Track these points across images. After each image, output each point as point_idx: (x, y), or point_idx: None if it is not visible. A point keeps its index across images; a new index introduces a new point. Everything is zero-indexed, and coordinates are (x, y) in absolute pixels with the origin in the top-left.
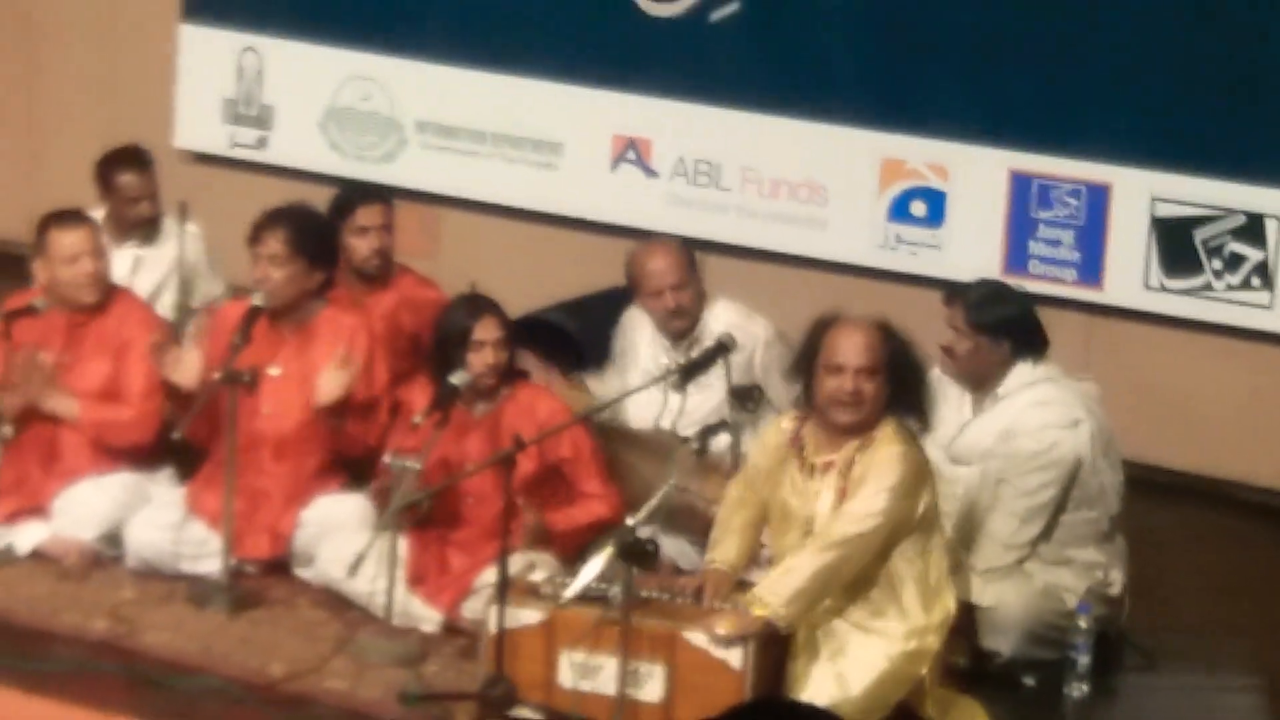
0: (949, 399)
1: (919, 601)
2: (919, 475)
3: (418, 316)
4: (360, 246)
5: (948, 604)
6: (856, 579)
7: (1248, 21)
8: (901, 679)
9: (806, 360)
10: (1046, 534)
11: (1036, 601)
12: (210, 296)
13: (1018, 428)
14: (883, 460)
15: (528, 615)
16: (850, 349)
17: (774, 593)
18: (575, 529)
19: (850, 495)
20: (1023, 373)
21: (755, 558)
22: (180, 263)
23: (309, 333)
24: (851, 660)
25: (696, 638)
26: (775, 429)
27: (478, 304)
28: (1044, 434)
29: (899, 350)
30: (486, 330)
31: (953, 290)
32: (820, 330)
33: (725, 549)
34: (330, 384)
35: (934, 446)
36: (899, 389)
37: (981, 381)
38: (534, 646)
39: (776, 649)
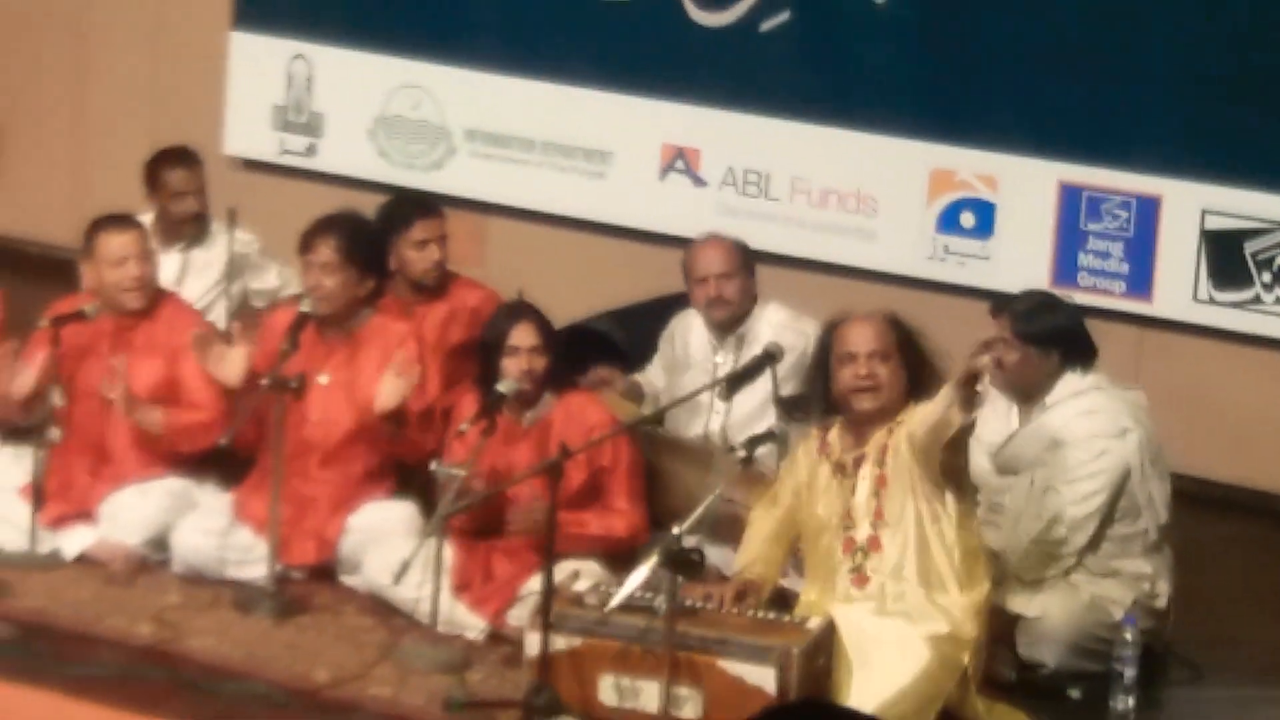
0: (996, 409)
1: (954, 577)
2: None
3: (472, 324)
4: (419, 260)
5: (982, 588)
6: (899, 558)
7: None
8: (938, 680)
9: (822, 362)
10: (1094, 545)
11: (1083, 613)
12: (270, 289)
13: (1065, 436)
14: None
15: (559, 642)
16: (859, 337)
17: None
18: (582, 536)
19: (892, 478)
20: (1071, 382)
21: (784, 570)
22: (229, 266)
23: (357, 341)
24: (891, 660)
25: (730, 665)
26: (804, 446)
27: (516, 310)
28: (1092, 443)
29: (908, 336)
30: (522, 336)
31: (999, 302)
32: (829, 330)
33: (751, 561)
34: (390, 390)
35: (981, 455)
36: (915, 374)
37: (1030, 392)
38: (573, 666)
39: (813, 673)
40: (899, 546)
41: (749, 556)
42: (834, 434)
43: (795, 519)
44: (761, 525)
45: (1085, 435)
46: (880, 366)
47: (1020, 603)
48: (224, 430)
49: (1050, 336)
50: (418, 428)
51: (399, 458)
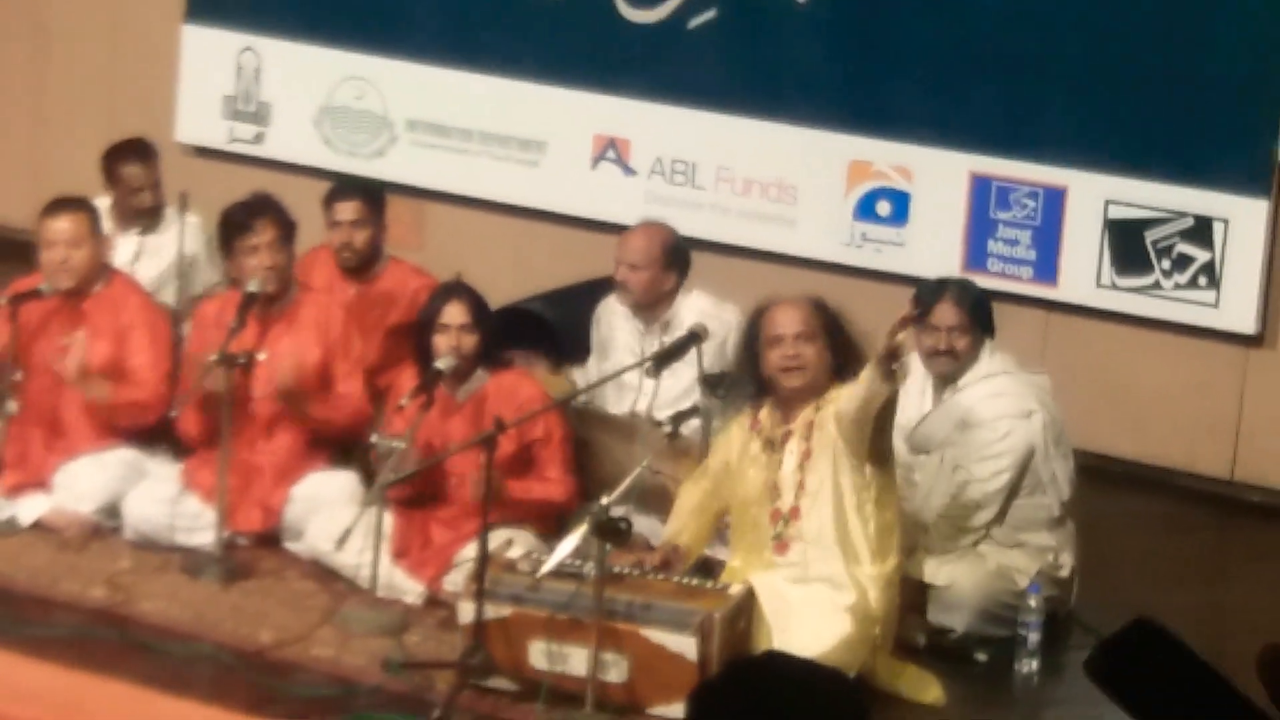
0: (908, 391)
1: (867, 548)
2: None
3: (409, 305)
4: (332, 239)
5: (893, 561)
6: (818, 527)
7: (1199, 34)
8: (854, 646)
9: (750, 346)
10: (1000, 518)
11: (989, 581)
12: (208, 284)
13: (974, 417)
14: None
15: (493, 610)
16: (785, 319)
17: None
18: (528, 500)
19: (816, 451)
20: (980, 366)
21: (710, 540)
22: (180, 252)
23: (291, 316)
24: (804, 630)
25: (652, 633)
26: (737, 424)
27: (449, 290)
28: (998, 424)
29: (832, 320)
30: (453, 314)
31: (931, 291)
32: (757, 315)
33: (678, 530)
34: (284, 370)
35: (896, 434)
36: (839, 355)
37: (961, 373)
38: (504, 632)
39: (733, 638)
40: (819, 516)
41: (676, 526)
42: (764, 412)
43: (722, 492)
44: (690, 497)
45: (992, 416)
46: (806, 347)
47: (931, 571)
48: (161, 409)
49: (990, 321)
50: (326, 404)
51: (314, 434)
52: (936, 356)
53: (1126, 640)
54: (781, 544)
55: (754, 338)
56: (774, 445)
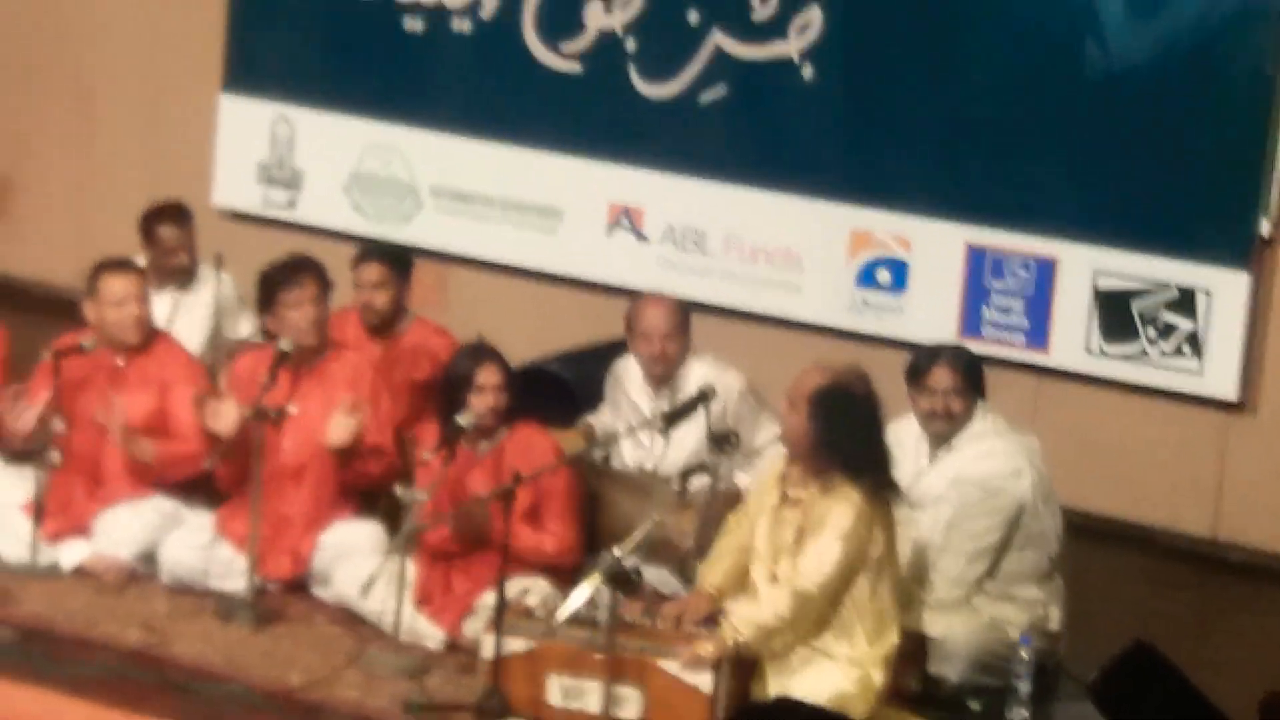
0: (905, 448)
1: (863, 634)
2: (869, 522)
3: (431, 362)
4: (357, 299)
5: (892, 639)
6: (820, 614)
7: (1186, 114)
8: (853, 705)
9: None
10: (992, 573)
11: (982, 633)
12: (241, 337)
13: (967, 476)
14: (837, 507)
15: (516, 644)
16: (796, 389)
17: (745, 620)
18: (514, 545)
19: (807, 534)
20: (973, 427)
21: (743, 579)
22: (215, 307)
23: (322, 373)
24: (806, 683)
25: (670, 665)
26: (773, 465)
27: (480, 352)
28: (990, 482)
29: (829, 394)
30: (488, 376)
31: (926, 357)
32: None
33: (713, 573)
34: (339, 428)
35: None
36: (839, 439)
37: (955, 434)
38: (523, 670)
39: (743, 675)
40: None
41: (713, 568)
42: (793, 465)
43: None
44: (728, 540)
45: (984, 475)
46: (791, 415)
47: (927, 622)
48: (204, 462)
49: (982, 384)
50: (368, 458)
51: (351, 486)
52: (933, 418)
53: (1126, 664)
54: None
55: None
56: (788, 502)
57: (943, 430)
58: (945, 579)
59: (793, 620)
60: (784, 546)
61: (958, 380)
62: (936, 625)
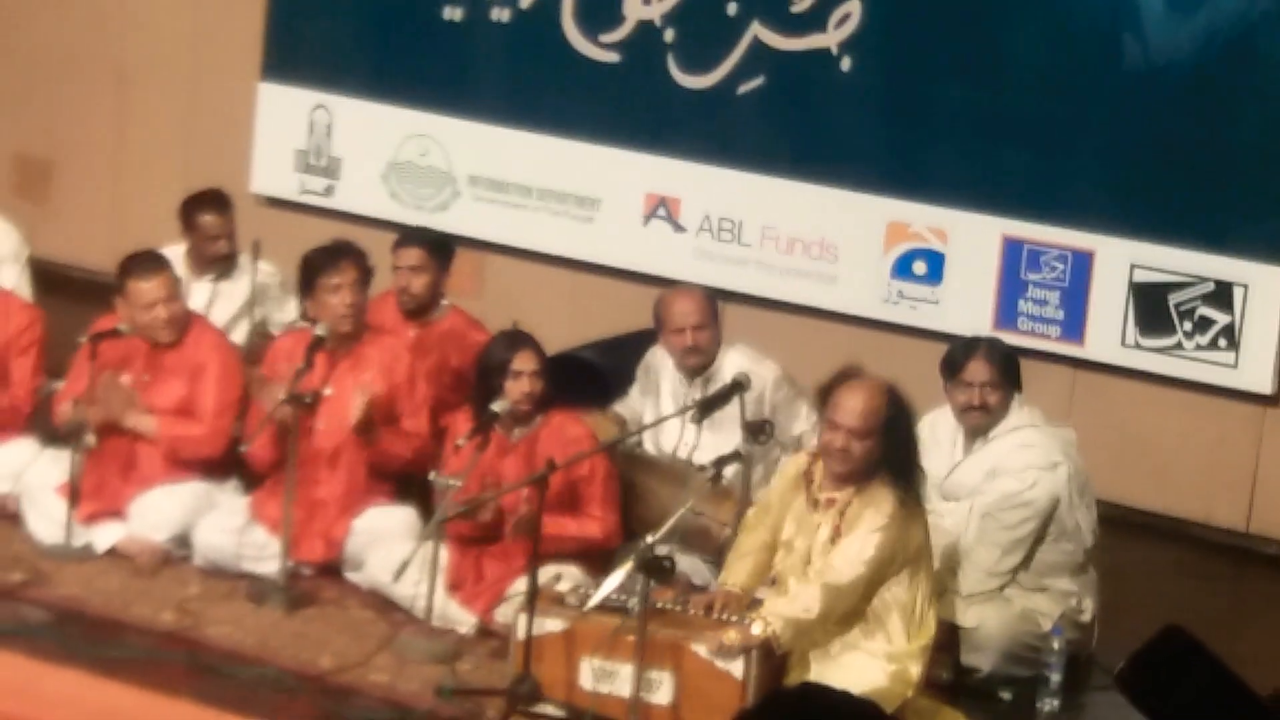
0: (940, 441)
1: (903, 629)
2: (905, 522)
3: (464, 353)
4: (394, 283)
5: (929, 631)
6: (851, 607)
7: (1222, 107)
8: (886, 698)
9: (821, 408)
10: (1025, 564)
11: (1014, 624)
12: (284, 322)
13: (1002, 468)
14: (874, 508)
15: (551, 624)
16: (846, 410)
17: (776, 614)
18: (562, 536)
19: (844, 534)
20: (1009, 419)
21: (764, 578)
22: (252, 296)
23: (357, 355)
24: (840, 673)
25: (701, 649)
26: (794, 462)
27: (516, 338)
28: (1025, 474)
29: (894, 417)
30: (524, 362)
31: (963, 350)
32: (833, 384)
33: (736, 572)
34: (355, 407)
35: (926, 484)
36: (891, 452)
37: (992, 426)
38: (557, 651)
39: (775, 660)
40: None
41: (730, 569)
42: (818, 467)
43: (775, 527)
44: (747, 539)
45: (1020, 467)
46: (856, 443)
47: (959, 613)
48: (219, 445)
49: (1018, 377)
50: (394, 437)
51: (379, 467)
52: (969, 411)
53: (1156, 651)
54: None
55: (824, 403)
56: (816, 506)
57: (979, 423)
58: (979, 569)
59: (823, 615)
60: (819, 548)
61: (994, 373)
62: (969, 616)
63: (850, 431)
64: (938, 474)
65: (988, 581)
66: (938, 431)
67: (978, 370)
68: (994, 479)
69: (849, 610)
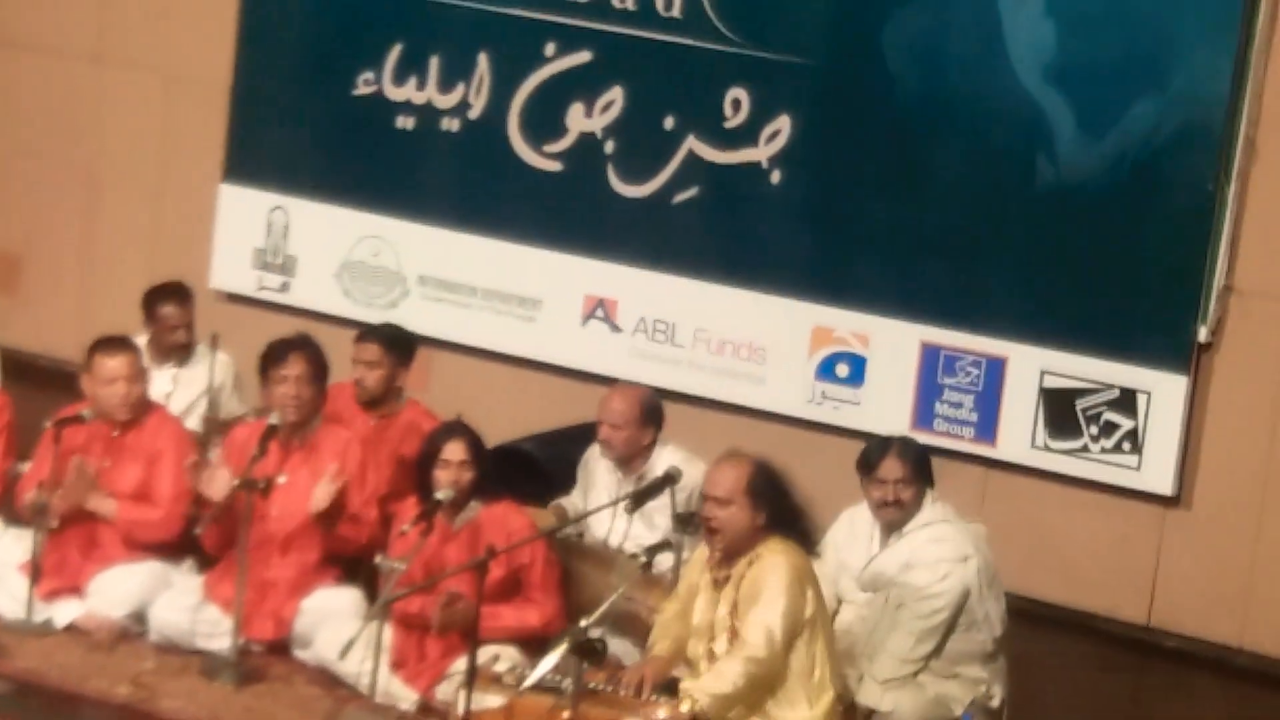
0: (858, 535)
1: (804, 695)
2: (801, 575)
3: (417, 441)
4: (352, 374)
5: (830, 695)
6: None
7: (1127, 225)
8: None
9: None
10: (938, 652)
11: (927, 708)
12: (233, 414)
13: (916, 560)
14: (767, 570)
15: (491, 700)
16: (711, 482)
17: (702, 690)
18: (498, 627)
19: (742, 606)
20: (922, 514)
21: (681, 657)
22: (210, 385)
23: (311, 446)
24: None
25: None
26: (700, 553)
27: (452, 430)
28: (938, 567)
29: (763, 482)
30: (453, 451)
31: (877, 449)
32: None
33: (661, 645)
34: (321, 494)
35: (846, 576)
36: (769, 517)
37: (906, 521)
38: None
39: None
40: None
41: (655, 638)
42: (718, 552)
43: (687, 612)
44: (667, 611)
45: (933, 560)
46: (719, 510)
47: (875, 697)
48: (174, 529)
49: (930, 474)
50: (349, 525)
51: (333, 551)
52: (884, 507)
53: None
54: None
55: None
56: (716, 585)
57: (894, 518)
58: (894, 657)
59: (747, 688)
60: (721, 623)
61: (907, 470)
62: (885, 700)
63: (715, 501)
64: (856, 565)
65: (902, 668)
66: (855, 525)
67: (891, 468)
68: (908, 571)
69: (768, 681)
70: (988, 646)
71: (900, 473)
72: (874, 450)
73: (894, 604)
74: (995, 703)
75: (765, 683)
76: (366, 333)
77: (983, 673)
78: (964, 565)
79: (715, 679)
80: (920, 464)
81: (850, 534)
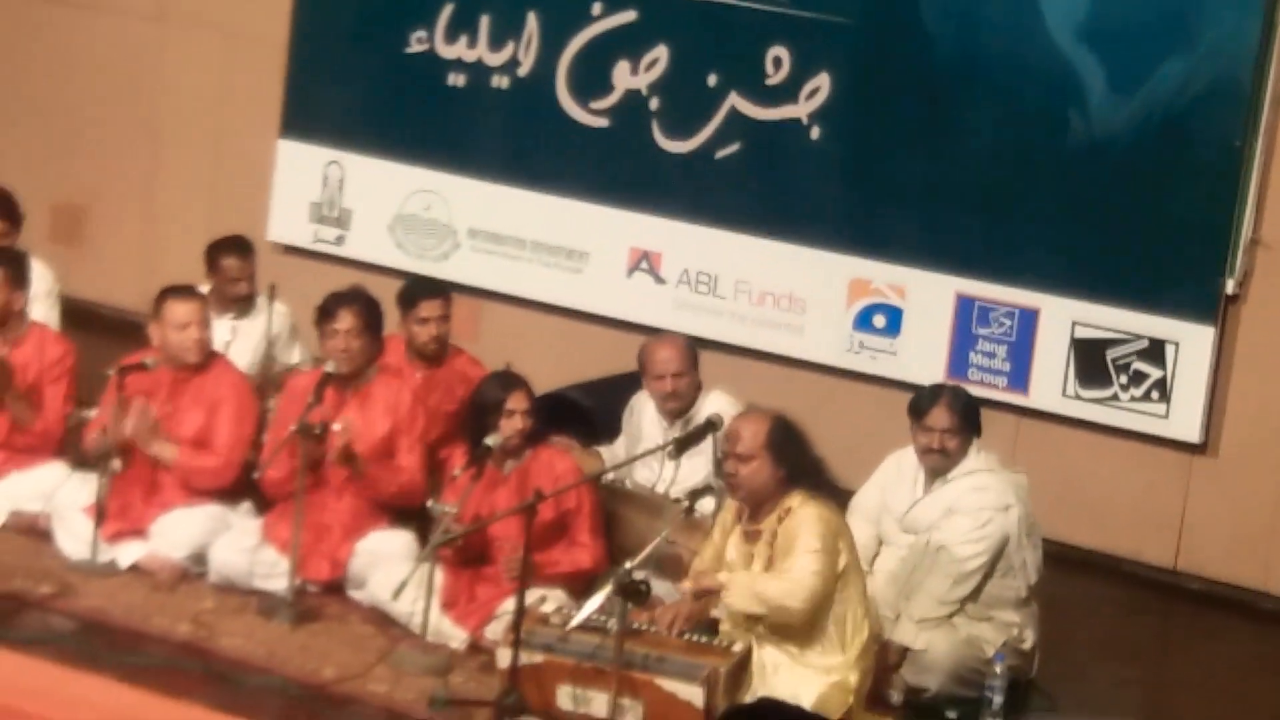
0: (904, 478)
1: (838, 641)
2: (834, 528)
3: (467, 390)
4: (420, 333)
5: (862, 640)
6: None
7: (1161, 181)
8: (829, 708)
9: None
10: (974, 596)
11: (961, 649)
12: (289, 365)
13: (959, 507)
14: (800, 524)
15: (528, 656)
16: (731, 438)
17: (739, 584)
18: (557, 574)
19: (777, 562)
20: (968, 462)
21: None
22: (267, 335)
23: (365, 395)
24: (781, 688)
25: (665, 683)
26: (730, 504)
27: (509, 380)
28: (980, 514)
29: (781, 437)
30: (517, 402)
31: (926, 397)
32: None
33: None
34: (341, 435)
35: (889, 517)
36: (791, 467)
37: (950, 468)
38: (536, 677)
39: (733, 690)
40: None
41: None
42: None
43: (720, 559)
44: (704, 555)
45: (975, 507)
46: (741, 466)
47: (910, 636)
48: (230, 476)
49: (978, 424)
50: (385, 469)
51: (371, 494)
52: (930, 453)
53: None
54: (755, 631)
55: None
56: (747, 538)
57: (938, 464)
58: (931, 598)
59: (773, 612)
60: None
61: (954, 420)
62: (920, 639)
63: (736, 457)
64: (899, 508)
65: (938, 609)
66: (902, 468)
67: (939, 417)
68: (950, 516)
69: (802, 625)
70: (1021, 592)
71: (947, 422)
72: (925, 398)
73: (934, 547)
74: (1027, 645)
75: (792, 629)
76: (427, 289)
77: (1015, 617)
78: (1005, 514)
79: (755, 580)
80: (968, 414)
81: (897, 476)
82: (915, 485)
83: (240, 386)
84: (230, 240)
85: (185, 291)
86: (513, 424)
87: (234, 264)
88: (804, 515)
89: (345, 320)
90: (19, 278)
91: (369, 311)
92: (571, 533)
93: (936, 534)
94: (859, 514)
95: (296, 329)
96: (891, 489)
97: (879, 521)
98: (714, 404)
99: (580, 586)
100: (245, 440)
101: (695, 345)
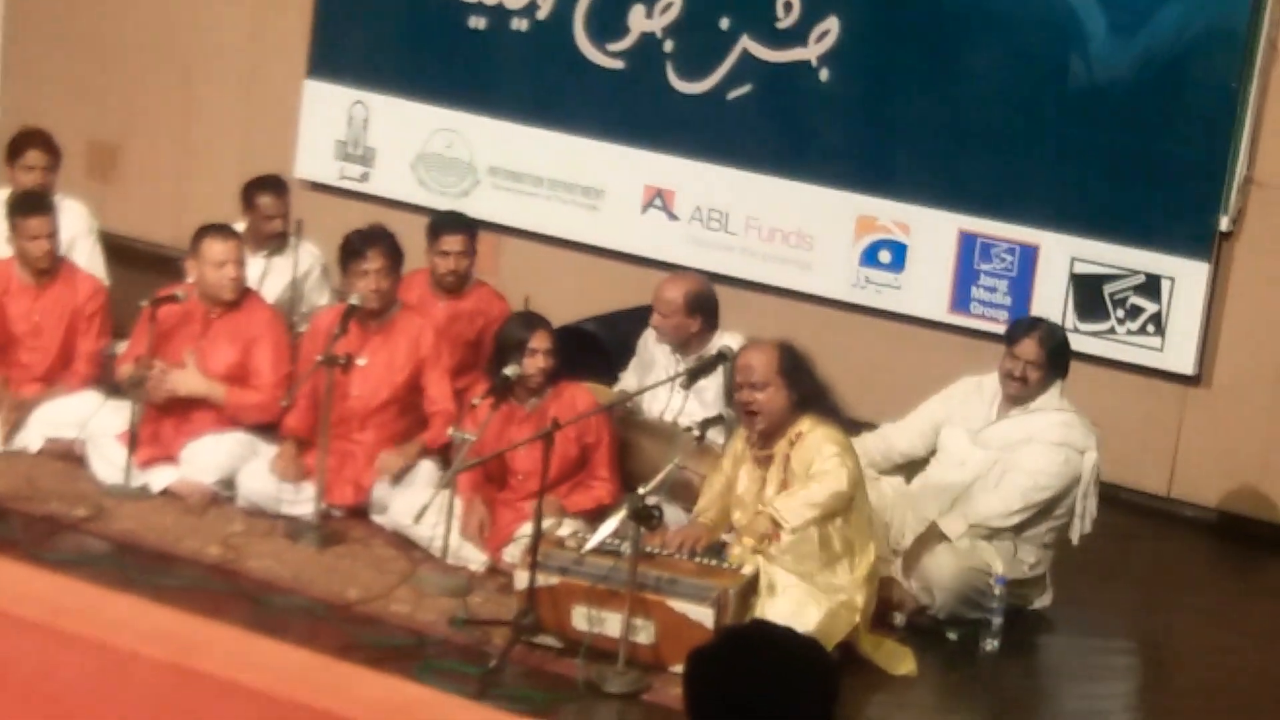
0: (984, 398)
1: (847, 562)
2: (846, 447)
3: (490, 323)
4: (440, 265)
5: (869, 560)
6: (796, 543)
7: (1154, 121)
8: (835, 627)
9: (731, 382)
10: (1024, 525)
11: (968, 571)
12: (316, 305)
13: (1040, 437)
14: (813, 445)
15: (544, 578)
16: (743, 368)
17: (787, 507)
18: (581, 510)
19: (791, 484)
20: (1052, 399)
21: (725, 524)
22: (294, 271)
23: (389, 330)
24: (785, 608)
25: (677, 604)
26: (740, 433)
27: (532, 319)
28: (1060, 450)
29: (791, 363)
30: (540, 341)
31: (1023, 327)
32: (735, 358)
33: (707, 515)
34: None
35: (951, 427)
36: (801, 392)
37: (1026, 399)
38: (552, 599)
39: (744, 610)
40: (798, 538)
41: (703, 506)
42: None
43: (731, 485)
44: (713, 483)
45: (1057, 441)
46: (758, 394)
47: (956, 529)
48: (275, 410)
49: (1065, 365)
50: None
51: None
52: (1010, 380)
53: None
54: (765, 555)
55: (733, 376)
56: (758, 463)
57: (1015, 392)
58: (988, 511)
59: (830, 506)
60: (768, 500)
61: (1041, 355)
62: (962, 539)
63: (751, 386)
64: (975, 424)
65: (990, 521)
66: (984, 388)
67: (1027, 348)
68: (1030, 444)
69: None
70: (1048, 538)
71: (1034, 355)
72: (1020, 327)
73: (1002, 468)
74: (1031, 572)
75: (804, 552)
76: (450, 223)
77: (1032, 556)
78: (1082, 457)
79: (798, 494)
80: (1056, 354)
81: (977, 393)
82: (991, 407)
83: (274, 323)
84: (266, 179)
85: (222, 230)
86: (536, 362)
87: (269, 202)
88: (816, 436)
89: (375, 260)
90: (56, 222)
91: (394, 250)
92: (591, 467)
93: (1009, 456)
94: (922, 417)
95: (328, 270)
96: (969, 404)
97: (937, 428)
98: (725, 339)
99: (593, 512)
100: (286, 377)
101: (704, 295)
